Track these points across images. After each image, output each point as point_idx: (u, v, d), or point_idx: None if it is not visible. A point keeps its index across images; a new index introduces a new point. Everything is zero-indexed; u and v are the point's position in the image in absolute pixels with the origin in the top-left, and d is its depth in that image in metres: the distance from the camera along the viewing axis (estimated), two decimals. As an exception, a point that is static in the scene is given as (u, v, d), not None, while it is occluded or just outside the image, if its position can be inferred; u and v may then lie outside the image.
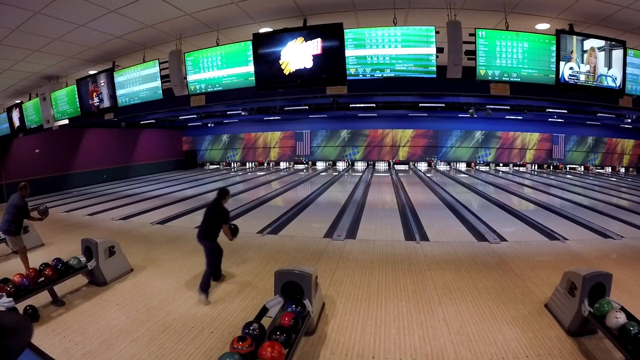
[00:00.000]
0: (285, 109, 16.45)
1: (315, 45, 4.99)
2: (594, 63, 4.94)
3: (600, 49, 4.93)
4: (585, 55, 4.90)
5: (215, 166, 24.41)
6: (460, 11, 4.86)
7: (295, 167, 22.79)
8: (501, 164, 21.91)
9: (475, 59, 4.86)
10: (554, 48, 4.83)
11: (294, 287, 3.64)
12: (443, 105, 15.24)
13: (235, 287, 4.79)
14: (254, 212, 9.70)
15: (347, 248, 6.40)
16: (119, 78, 6.70)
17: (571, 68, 4.89)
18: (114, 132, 18.03)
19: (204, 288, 4.41)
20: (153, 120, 17.41)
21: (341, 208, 9.85)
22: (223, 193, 4.70)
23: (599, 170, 21.60)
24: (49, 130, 9.06)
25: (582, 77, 4.93)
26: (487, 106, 13.96)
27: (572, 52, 4.85)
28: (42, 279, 4.35)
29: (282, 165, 23.46)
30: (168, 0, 4.65)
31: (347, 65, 4.98)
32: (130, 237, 7.31)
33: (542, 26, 5.32)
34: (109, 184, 16.49)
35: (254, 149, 23.77)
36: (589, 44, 4.89)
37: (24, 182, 5.48)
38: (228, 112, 17.29)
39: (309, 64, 5.08)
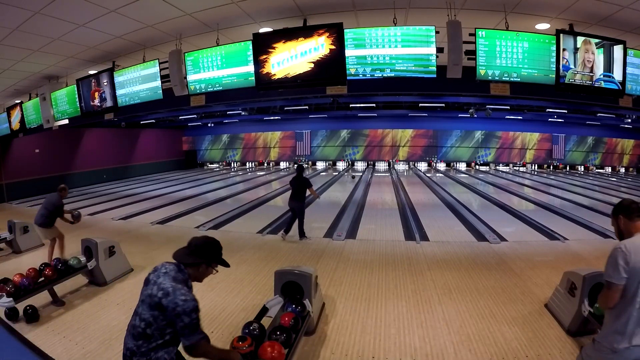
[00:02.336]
0: (285, 109, 16.45)
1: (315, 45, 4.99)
2: (592, 64, 4.94)
3: (600, 49, 4.92)
4: (585, 56, 4.90)
5: (215, 164, 24.44)
6: (460, 11, 4.85)
7: (295, 168, 22.78)
8: (501, 164, 21.92)
9: (475, 59, 4.85)
10: (554, 48, 4.82)
11: (294, 287, 3.64)
12: (443, 105, 15.24)
13: (235, 287, 4.79)
14: (254, 212, 9.70)
15: (347, 248, 6.41)
16: (119, 78, 6.70)
17: (570, 68, 4.88)
18: (114, 132, 18.03)
19: (301, 233, 6.82)
20: (153, 120, 17.42)
21: (341, 208, 9.85)
22: (302, 167, 7.18)
23: (599, 171, 21.61)
24: (49, 130, 9.06)
25: (582, 78, 4.92)
26: (487, 106, 13.97)
27: (572, 52, 4.85)
28: (42, 279, 4.35)
29: (282, 165, 23.47)
30: (168, 0, 4.64)
31: (347, 65, 4.98)
32: (130, 237, 7.30)
33: (542, 26, 5.32)
34: (109, 184, 16.49)
35: (254, 149, 23.78)
36: (589, 43, 4.89)
37: (64, 184, 6.03)
38: (228, 112, 17.29)
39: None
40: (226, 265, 2.11)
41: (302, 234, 6.83)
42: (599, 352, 2.06)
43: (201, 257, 2.00)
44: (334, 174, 19.37)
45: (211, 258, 2.04)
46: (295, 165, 6.99)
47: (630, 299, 1.94)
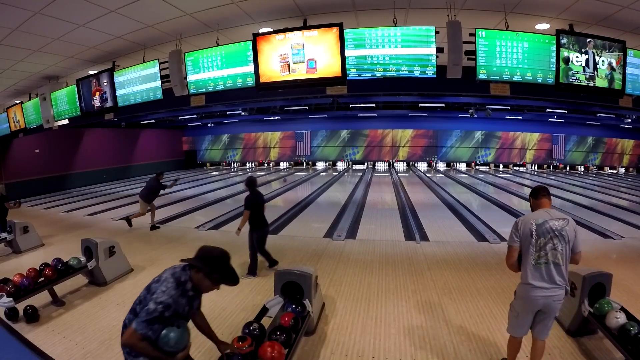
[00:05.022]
0: (285, 109, 16.46)
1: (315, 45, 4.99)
2: (593, 64, 4.94)
3: (600, 49, 4.92)
4: (585, 56, 4.90)
5: (215, 166, 24.43)
6: (460, 11, 4.86)
7: (295, 167, 22.80)
8: (501, 165, 21.91)
9: (475, 59, 4.86)
10: (554, 48, 4.82)
11: (294, 287, 3.64)
12: (443, 105, 15.26)
13: (235, 287, 4.78)
14: (254, 212, 9.68)
15: (347, 248, 6.40)
16: (119, 78, 6.70)
17: (571, 68, 4.88)
18: (114, 132, 18.03)
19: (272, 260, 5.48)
20: (153, 120, 17.42)
21: (341, 208, 9.85)
22: (255, 180, 5.28)
23: (598, 171, 21.60)
24: (49, 130, 9.06)
25: (582, 77, 4.92)
26: (487, 106, 13.98)
27: (572, 52, 4.85)
28: (42, 279, 4.35)
29: (282, 165, 23.47)
30: (168, 0, 4.65)
31: (347, 65, 4.98)
32: (130, 237, 7.31)
33: (542, 26, 5.32)
34: (109, 184, 16.49)
35: (254, 149, 23.77)
36: (589, 44, 4.89)
37: (161, 171, 8.41)
38: (228, 112, 17.30)
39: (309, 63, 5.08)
40: (230, 283, 2.15)
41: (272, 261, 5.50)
42: (519, 300, 2.72)
43: (204, 264, 2.03)
44: (334, 174, 19.36)
45: (212, 270, 2.04)
46: (246, 179, 5.28)
47: (525, 256, 2.63)
